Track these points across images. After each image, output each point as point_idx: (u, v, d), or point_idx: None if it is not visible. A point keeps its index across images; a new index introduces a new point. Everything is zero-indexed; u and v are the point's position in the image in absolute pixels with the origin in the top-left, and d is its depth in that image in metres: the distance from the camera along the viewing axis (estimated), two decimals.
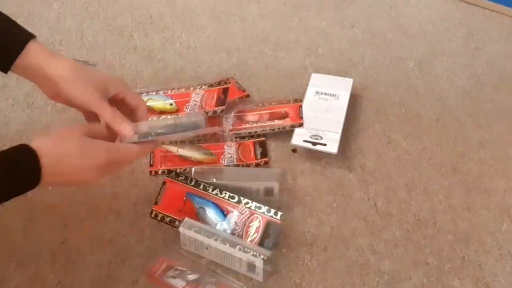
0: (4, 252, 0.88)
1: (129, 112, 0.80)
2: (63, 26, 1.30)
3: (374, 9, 1.39)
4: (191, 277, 0.84)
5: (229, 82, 1.09)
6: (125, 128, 0.76)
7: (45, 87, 0.79)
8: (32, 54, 0.76)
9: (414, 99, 1.16)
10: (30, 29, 1.27)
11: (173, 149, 1.02)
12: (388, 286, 0.86)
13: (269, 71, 1.20)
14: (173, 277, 0.84)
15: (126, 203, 0.95)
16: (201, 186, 0.93)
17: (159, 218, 0.91)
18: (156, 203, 0.93)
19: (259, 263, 0.83)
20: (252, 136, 1.05)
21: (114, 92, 0.78)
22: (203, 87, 1.09)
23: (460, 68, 1.23)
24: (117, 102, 0.80)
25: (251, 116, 1.08)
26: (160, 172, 0.99)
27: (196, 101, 1.06)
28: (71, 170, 0.70)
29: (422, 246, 0.91)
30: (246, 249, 0.85)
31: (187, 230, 0.86)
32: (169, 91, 1.10)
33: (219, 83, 1.09)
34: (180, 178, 0.95)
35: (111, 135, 0.76)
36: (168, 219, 0.91)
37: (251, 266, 0.84)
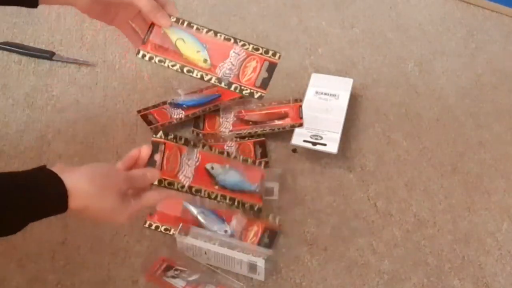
0: (4, 252, 0.88)
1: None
2: (63, 26, 1.30)
3: (374, 9, 1.39)
4: (191, 277, 0.84)
5: (278, 56, 0.83)
6: (162, 17, 0.79)
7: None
8: None
9: (414, 99, 1.16)
10: (30, 29, 1.28)
11: None
12: (388, 286, 0.86)
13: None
14: (173, 277, 0.84)
15: None
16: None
17: (153, 227, 0.91)
18: (150, 214, 0.93)
19: (260, 262, 0.83)
20: (252, 136, 1.05)
21: None
22: (246, 46, 0.84)
23: (460, 68, 1.23)
24: None
25: (251, 116, 1.08)
26: None
27: (233, 65, 0.83)
28: (90, 216, 0.72)
29: (422, 246, 0.91)
30: (246, 250, 0.85)
31: (184, 236, 0.86)
32: (203, 31, 0.83)
33: (266, 51, 0.84)
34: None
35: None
36: (163, 227, 0.91)
37: (252, 267, 0.84)
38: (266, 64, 0.82)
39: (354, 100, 1.13)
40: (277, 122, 1.06)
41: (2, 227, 0.63)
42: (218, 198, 0.84)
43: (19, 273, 0.86)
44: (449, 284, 0.87)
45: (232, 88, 0.81)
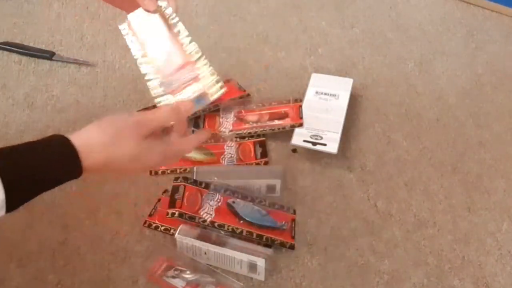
0: (4, 252, 0.88)
1: None
2: (63, 26, 1.30)
3: (374, 9, 1.39)
4: (191, 277, 0.84)
5: (221, 93, 0.80)
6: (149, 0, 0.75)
7: None
8: None
9: (414, 99, 1.16)
10: (30, 29, 1.28)
11: None
12: (388, 286, 0.86)
13: (269, 71, 1.20)
14: (173, 277, 0.84)
15: (126, 203, 0.95)
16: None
17: (153, 227, 0.91)
18: (150, 215, 0.93)
19: (260, 262, 0.83)
20: (252, 136, 1.05)
21: None
22: (204, 67, 0.80)
23: (460, 68, 1.24)
24: None
25: (251, 116, 1.08)
26: (160, 172, 0.99)
27: (178, 80, 0.78)
28: (118, 170, 0.67)
29: (422, 246, 0.91)
30: (246, 250, 0.85)
31: (184, 236, 0.86)
32: (181, 36, 0.78)
33: (217, 81, 0.80)
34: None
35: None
36: (163, 227, 0.91)
37: (252, 267, 0.84)
38: (203, 95, 0.77)
39: (354, 100, 1.13)
40: (277, 122, 1.06)
41: (15, 198, 0.59)
42: (244, 233, 0.86)
43: (19, 273, 0.86)
44: (449, 284, 0.87)
45: (158, 100, 0.75)
